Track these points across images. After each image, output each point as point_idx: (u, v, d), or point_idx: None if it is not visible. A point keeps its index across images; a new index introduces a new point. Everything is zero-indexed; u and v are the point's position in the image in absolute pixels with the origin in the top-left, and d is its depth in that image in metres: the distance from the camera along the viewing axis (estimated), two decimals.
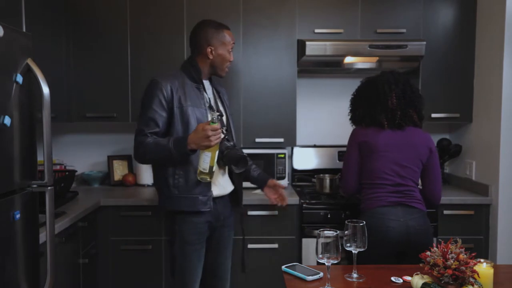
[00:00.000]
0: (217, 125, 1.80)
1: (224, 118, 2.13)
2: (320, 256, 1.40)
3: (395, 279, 1.50)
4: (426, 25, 2.83)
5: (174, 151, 1.87)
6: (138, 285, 2.59)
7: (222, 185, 2.10)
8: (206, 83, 2.12)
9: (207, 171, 1.86)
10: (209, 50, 2.04)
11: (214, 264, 2.18)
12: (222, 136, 2.03)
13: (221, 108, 2.14)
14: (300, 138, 3.16)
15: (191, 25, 2.74)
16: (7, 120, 1.47)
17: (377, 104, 2.10)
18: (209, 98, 2.08)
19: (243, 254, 2.37)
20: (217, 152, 1.88)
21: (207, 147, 1.81)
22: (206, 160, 1.85)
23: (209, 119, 1.92)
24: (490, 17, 2.70)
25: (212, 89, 2.15)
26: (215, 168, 1.90)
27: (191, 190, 1.97)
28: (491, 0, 2.68)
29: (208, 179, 1.91)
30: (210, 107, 2.07)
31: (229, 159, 1.98)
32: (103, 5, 2.76)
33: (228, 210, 2.19)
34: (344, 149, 3.16)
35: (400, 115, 2.07)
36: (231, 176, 2.17)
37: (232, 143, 2.14)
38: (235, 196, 2.21)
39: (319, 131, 3.24)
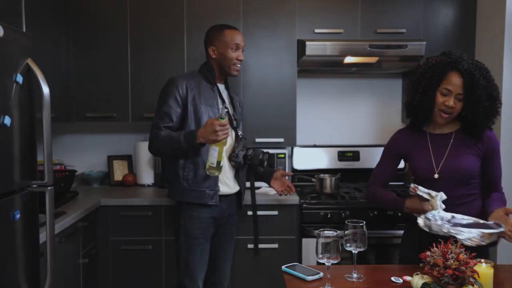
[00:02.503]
0: (225, 121, 1.87)
1: (234, 123, 2.19)
2: (320, 256, 1.40)
3: (395, 279, 1.50)
4: (426, 25, 2.83)
5: (184, 144, 1.96)
6: (138, 285, 2.59)
7: (229, 184, 2.18)
8: (221, 87, 2.22)
9: (215, 165, 1.94)
10: (211, 49, 2.14)
11: (215, 261, 2.24)
12: (235, 134, 2.16)
13: (231, 111, 2.20)
14: (300, 138, 3.16)
15: (191, 25, 2.78)
16: (7, 120, 1.47)
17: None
18: (222, 100, 2.17)
19: (256, 238, 2.39)
20: (225, 148, 1.96)
21: (215, 141, 1.90)
22: (214, 154, 1.93)
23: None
24: (490, 17, 2.70)
25: (227, 94, 2.25)
26: (223, 163, 1.98)
27: (199, 184, 2.07)
28: (491, 0, 2.68)
29: (216, 174, 1.99)
30: (225, 109, 2.15)
31: (254, 160, 2.13)
32: (103, 5, 2.76)
33: (233, 209, 2.26)
34: (345, 149, 3.20)
35: None
36: (238, 176, 2.23)
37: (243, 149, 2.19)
38: (240, 196, 2.28)
39: (319, 131, 3.24)
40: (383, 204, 2.10)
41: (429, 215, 1.67)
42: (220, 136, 1.87)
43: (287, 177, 2.40)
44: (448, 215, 1.71)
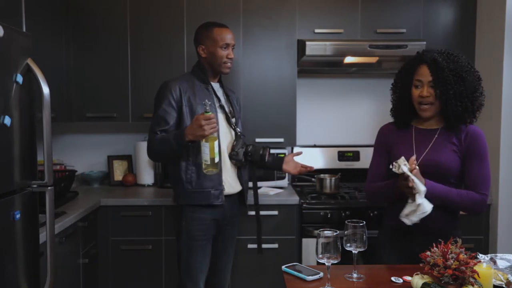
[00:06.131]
0: (210, 115, 1.85)
1: (233, 120, 2.20)
2: (320, 256, 1.40)
3: (395, 279, 1.50)
4: (426, 25, 2.83)
5: (174, 143, 1.96)
6: (138, 285, 2.59)
7: (231, 184, 2.17)
8: (216, 85, 2.21)
9: (209, 162, 1.92)
10: (200, 49, 2.15)
11: (215, 262, 2.23)
12: (234, 132, 2.16)
13: (227, 108, 2.19)
14: (300, 138, 3.16)
15: (191, 25, 2.77)
16: (7, 120, 1.47)
17: None
18: (218, 99, 2.16)
19: (259, 237, 2.38)
20: (216, 143, 1.93)
21: (203, 136, 1.88)
22: (206, 151, 1.91)
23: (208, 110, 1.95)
24: (490, 17, 2.70)
25: (222, 92, 2.24)
26: (218, 160, 1.95)
27: (204, 185, 2.06)
28: (491, 0, 2.68)
29: (215, 171, 1.97)
30: (221, 107, 2.15)
31: (254, 156, 2.14)
32: (103, 5, 2.76)
33: (235, 210, 2.25)
34: (345, 149, 3.20)
35: None
36: (240, 175, 2.22)
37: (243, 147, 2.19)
38: (242, 196, 2.27)
39: (319, 131, 3.24)
40: (383, 195, 1.91)
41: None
42: (206, 130, 1.85)
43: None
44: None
